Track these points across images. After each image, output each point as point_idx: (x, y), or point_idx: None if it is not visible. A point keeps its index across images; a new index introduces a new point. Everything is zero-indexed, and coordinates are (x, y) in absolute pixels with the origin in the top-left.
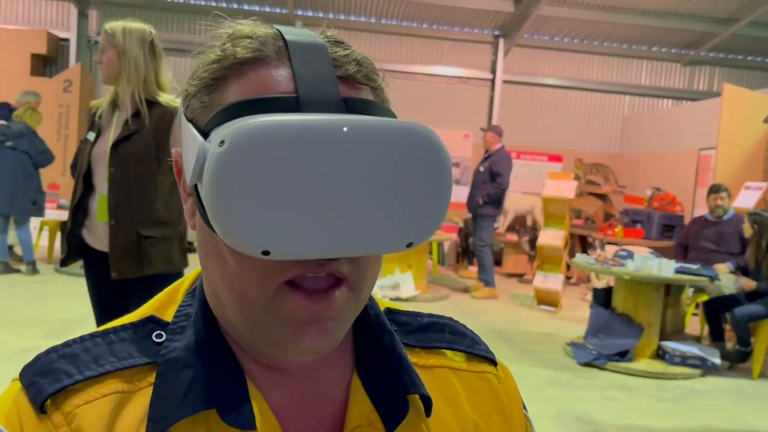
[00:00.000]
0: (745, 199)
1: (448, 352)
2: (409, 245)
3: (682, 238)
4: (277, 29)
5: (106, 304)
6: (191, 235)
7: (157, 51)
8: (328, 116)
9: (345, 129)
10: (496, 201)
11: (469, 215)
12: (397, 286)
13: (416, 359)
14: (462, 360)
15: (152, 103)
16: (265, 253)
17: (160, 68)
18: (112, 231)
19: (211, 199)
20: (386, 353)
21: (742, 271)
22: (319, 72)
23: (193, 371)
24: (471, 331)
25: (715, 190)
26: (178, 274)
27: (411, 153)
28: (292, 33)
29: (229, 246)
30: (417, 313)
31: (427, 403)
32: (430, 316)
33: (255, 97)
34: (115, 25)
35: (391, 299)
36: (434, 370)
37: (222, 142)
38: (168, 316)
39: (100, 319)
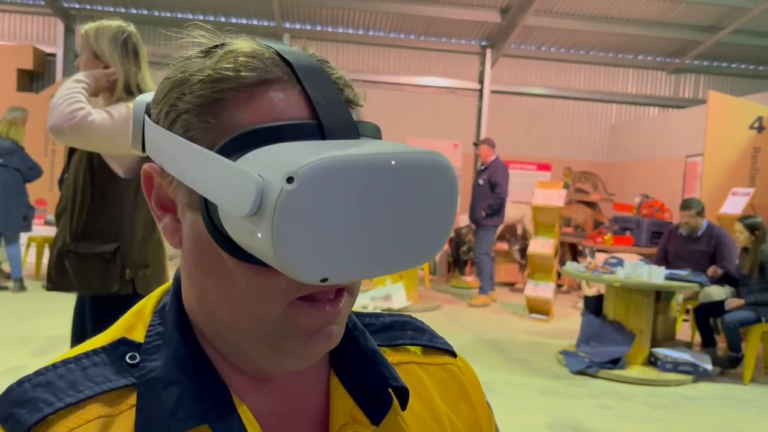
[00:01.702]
0: (733, 205)
1: (412, 348)
2: (429, 257)
3: (661, 251)
4: (273, 48)
5: (78, 320)
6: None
7: (132, 49)
8: (376, 149)
9: (393, 162)
10: (497, 211)
11: (461, 226)
12: (388, 297)
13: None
14: (423, 353)
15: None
16: (323, 280)
17: (139, 67)
18: (54, 239)
19: (278, 234)
20: (361, 350)
21: (727, 279)
22: (329, 96)
23: (179, 388)
24: (429, 327)
25: (685, 206)
26: (131, 297)
27: (438, 179)
28: (288, 52)
29: (241, 267)
30: (378, 314)
31: (404, 395)
32: (391, 315)
33: (277, 123)
34: (90, 25)
35: (384, 310)
36: (402, 366)
37: (290, 179)
38: (137, 337)
39: (74, 334)
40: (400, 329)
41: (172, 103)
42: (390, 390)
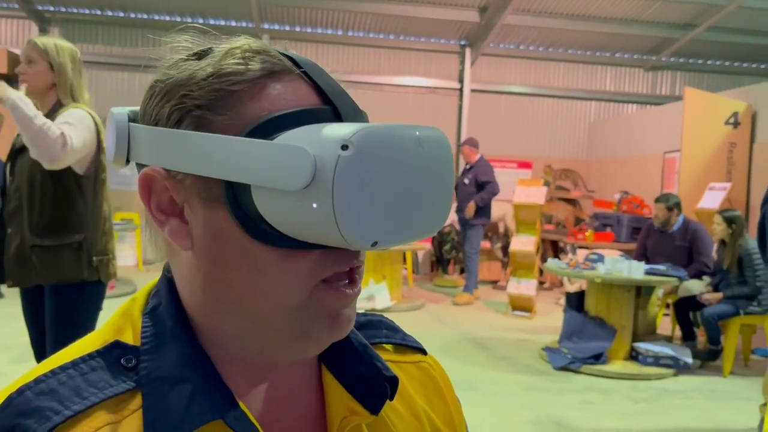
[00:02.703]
0: (710, 200)
1: (387, 346)
2: (442, 224)
3: (640, 247)
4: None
5: (34, 314)
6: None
7: (80, 65)
8: (400, 124)
9: (417, 132)
10: (486, 209)
11: (444, 225)
12: (372, 298)
13: None
14: (396, 352)
15: (59, 110)
16: (374, 244)
17: (81, 84)
18: (7, 239)
19: (339, 200)
20: (353, 345)
21: (703, 274)
22: (334, 85)
23: (191, 384)
24: (399, 326)
25: (657, 199)
26: (95, 284)
27: (443, 151)
28: (287, 52)
29: (270, 253)
30: None
31: (394, 386)
32: (365, 314)
33: (299, 108)
34: (46, 40)
35: (368, 311)
36: None
37: (344, 146)
38: (126, 339)
39: (31, 329)
40: (375, 328)
41: (176, 103)
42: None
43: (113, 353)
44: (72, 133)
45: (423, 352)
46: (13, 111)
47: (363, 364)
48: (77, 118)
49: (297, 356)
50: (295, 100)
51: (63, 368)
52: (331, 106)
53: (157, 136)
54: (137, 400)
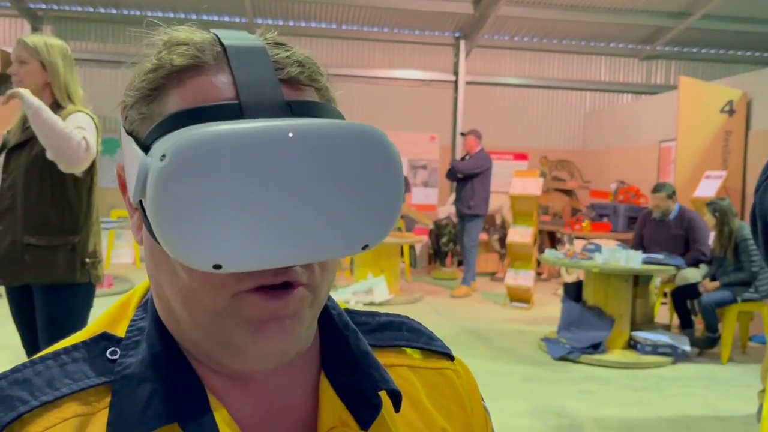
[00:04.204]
0: (706, 188)
1: (408, 350)
2: (364, 247)
3: (637, 236)
4: (214, 34)
5: (22, 314)
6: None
7: (72, 63)
8: (271, 122)
9: (290, 134)
10: (483, 201)
11: (441, 218)
12: (370, 291)
13: (377, 358)
14: (419, 357)
15: (57, 111)
16: (217, 267)
17: (74, 80)
18: None
19: (156, 215)
20: (352, 351)
21: (700, 262)
22: (259, 76)
23: (151, 385)
24: (426, 328)
25: (655, 189)
26: (83, 286)
27: (359, 154)
28: (230, 37)
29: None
30: (375, 313)
31: (397, 398)
32: (387, 315)
33: (195, 106)
34: (36, 39)
35: (365, 304)
36: (393, 368)
37: (163, 156)
38: (120, 332)
39: (21, 330)
40: (396, 330)
41: (123, 101)
42: (380, 394)
43: (100, 344)
44: (89, 137)
45: (450, 357)
46: (36, 116)
47: (360, 373)
48: (86, 122)
49: (240, 366)
50: (206, 96)
51: (43, 359)
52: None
53: (121, 132)
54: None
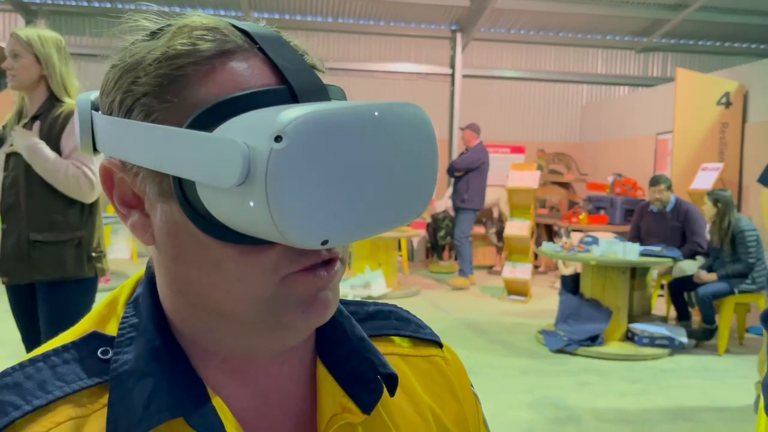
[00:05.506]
0: (703, 181)
1: (396, 339)
2: (418, 214)
3: (634, 229)
4: (228, 21)
5: (23, 311)
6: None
7: (66, 55)
8: (357, 103)
9: (376, 113)
10: (478, 195)
11: (438, 212)
12: (368, 285)
13: None
14: (408, 345)
15: (56, 105)
16: (324, 242)
17: (70, 73)
18: (2, 234)
19: (273, 198)
20: (349, 337)
21: (696, 254)
22: (293, 61)
23: (153, 380)
24: (415, 316)
25: (653, 182)
26: (89, 281)
27: (417, 131)
28: (244, 25)
29: (227, 249)
30: (363, 302)
31: (393, 382)
32: (375, 304)
33: (247, 91)
34: (29, 32)
35: (363, 298)
36: (385, 357)
37: (278, 138)
38: (110, 330)
39: (22, 327)
40: (384, 319)
41: (126, 90)
42: (379, 378)
43: (90, 344)
44: (92, 167)
45: (439, 345)
46: (32, 162)
47: (358, 359)
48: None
49: (274, 347)
50: (246, 81)
51: (33, 361)
52: (288, 85)
53: (111, 126)
54: (107, 395)
